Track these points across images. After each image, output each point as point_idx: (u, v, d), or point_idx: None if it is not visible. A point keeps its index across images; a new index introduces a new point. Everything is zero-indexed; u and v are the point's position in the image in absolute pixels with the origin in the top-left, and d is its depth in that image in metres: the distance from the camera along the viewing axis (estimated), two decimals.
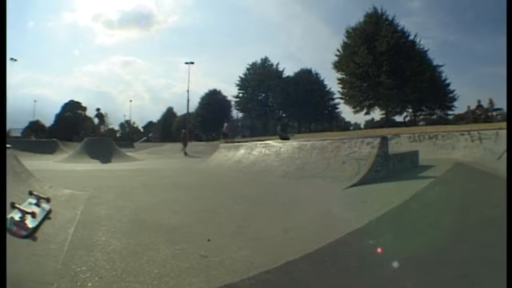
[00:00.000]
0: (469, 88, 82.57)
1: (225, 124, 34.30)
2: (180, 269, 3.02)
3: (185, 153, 28.30)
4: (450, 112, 46.06)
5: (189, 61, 53.14)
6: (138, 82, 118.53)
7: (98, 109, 25.24)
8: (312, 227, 4.55)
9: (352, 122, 67.01)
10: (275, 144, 13.39)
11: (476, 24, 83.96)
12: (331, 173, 9.15)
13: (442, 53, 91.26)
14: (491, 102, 27.94)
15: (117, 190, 7.63)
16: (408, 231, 4.42)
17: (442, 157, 16.19)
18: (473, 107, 29.61)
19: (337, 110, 58.75)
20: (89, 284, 2.66)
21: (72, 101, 73.98)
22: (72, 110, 73.28)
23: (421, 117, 47.20)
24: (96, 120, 27.06)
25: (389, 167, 9.75)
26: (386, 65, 43.35)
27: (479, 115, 27.49)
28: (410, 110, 47.86)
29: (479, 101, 28.52)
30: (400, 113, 47.61)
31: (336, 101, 57.00)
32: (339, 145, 10.39)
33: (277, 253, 3.50)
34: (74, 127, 64.95)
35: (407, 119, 46.09)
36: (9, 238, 2.99)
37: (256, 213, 5.53)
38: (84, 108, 72.55)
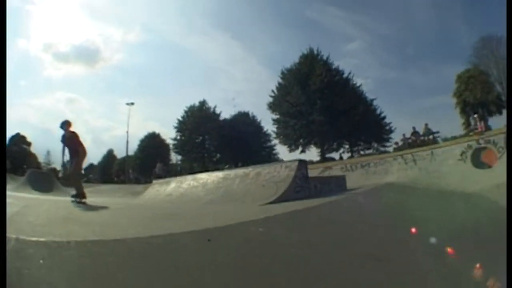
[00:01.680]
0: (408, 119, 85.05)
1: (158, 165, 35.18)
2: None
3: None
4: (387, 144, 46.29)
5: (130, 102, 52.02)
6: (81, 122, 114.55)
7: None
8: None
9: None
10: (203, 176, 13.67)
11: (416, 58, 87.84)
12: (251, 196, 9.44)
13: (380, 89, 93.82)
14: (426, 127, 28.95)
15: None
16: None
17: (374, 182, 16.85)
18: (408, 135, 30.60)
19: (274, 152, 58.59)
20: None
21: (18, 134, 70.92)
22: (18, 144, 70.27)
23: (359, 151, 47.17)
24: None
25: (310, 188, 10.16)
26: (319, 102, 43.39)
27: (414, 141, 28.40)
28: (347, 146, 48.07)
29: (414, 128, 29.53)
30: (337, 150, 47.17)
31: (273, 142, 56.92)
32: (260, 171, 11.04)
33: None
34: (21, 161, 62.18)
35: (344, 155, 46.41)
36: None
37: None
38: (29, 143, 69.68)
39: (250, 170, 11.35)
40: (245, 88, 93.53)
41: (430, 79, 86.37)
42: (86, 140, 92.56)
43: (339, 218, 6.34)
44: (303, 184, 10.03)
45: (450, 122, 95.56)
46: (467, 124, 33.22)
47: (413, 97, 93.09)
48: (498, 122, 45.52)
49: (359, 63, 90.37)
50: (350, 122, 43.31)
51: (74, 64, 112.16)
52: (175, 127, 59.92)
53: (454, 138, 31.63)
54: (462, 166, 17.79)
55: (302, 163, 10.38)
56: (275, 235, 4.86)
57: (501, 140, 18.16)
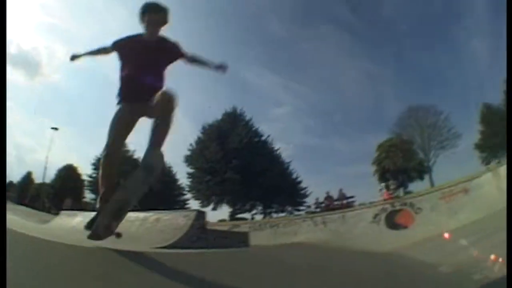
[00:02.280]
0: (326, 185, 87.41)
1: (66, 200, 33.26)
2: None
3: None
4: (301, 208, 47.07)
5: (55, 126, 49.74)
6: (9, 137, 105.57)
7: None
8: None
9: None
10: None
11: (341, 126, 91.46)
12: (149, 239, 9.08)
13: (300, 154, 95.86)
14: (341, 192, 29.51)
15: None
16: None
17: (281, 241, 16.65)
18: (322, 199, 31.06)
19: (187, 206, 57.12)
20: None
21: None
22: None
23: (271, 214, 46.93)
24: None
25: (209, 239, 9.86)
26: (235, 161, 43.48)
27: (327, 206, 28.81)
28: (260, 207, 48.03)
29: (327, 193, 30.20)
30: (250, 211, 46.99)
31: (186, 196, 55.85)
32: (160, 217, 10.58)
33: None
34: None
35: (256, 216, 46.18)
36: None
37: None
38: None
39: (151, 215, 10.89)
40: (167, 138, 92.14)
41: (352, 147, 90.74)
42: (11, 155, 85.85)
43: (232, 269, 5.54)
44: (200, 235, 9.75)
45: (368, 189, 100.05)
46: (392, 187, 34.41)
47: (333, 164, 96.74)
48: (420, 186, 48.11)
49: (284, 127, 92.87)
50: (265, 184, 43.70)
51: (14, 69, 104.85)
52: (93, 164, 57.08)
53: (371, 203, 32.48)
54: (375, 228, 18.06)
55: (200, 214, 10.21)
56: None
57: (421, 201, 19.10)
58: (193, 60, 4.70)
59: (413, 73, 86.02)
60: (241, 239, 12.41)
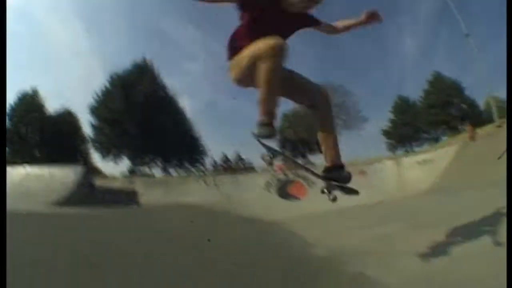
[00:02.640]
0: (227, 145, 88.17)
1: None
2: None
3: None
4: (198, 165, 46.74)
5: None
6: None
7: None
8: None
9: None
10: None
11: (252, 90, 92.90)
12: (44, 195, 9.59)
13: (207, 111, 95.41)
14: (238, 155, 29.92)
15: None
16: None
17: (170, 200, 16.24)
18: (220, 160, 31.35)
19: (90, 157, 54.43)
20: None
21: None
22: None
23: (170, 169, 46.64)
24: None
25: (97, 196, 10.14)
26: (138, 115, 42.39)
27: (223, 167, 29.23)
28: (159, 162, 47.32)
29: (224, 154, 30.56)
30: (149, 165, 46.37)
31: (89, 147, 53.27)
32: (54, 172, 11.05)
33: None
34: None
35: (155, 170, 45.64)
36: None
37: None
38: None
39: (46, 170, 11.44)
40: (78, 85, 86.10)
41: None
42: None
43: (119, 228, 6.27)
44: (90, 192, 9.82)
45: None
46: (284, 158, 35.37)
47: (238, 125, 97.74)
48: (318, 159, 49.96)
49: (194, 83, 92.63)
50: (164, 139, 43.10)
51: None
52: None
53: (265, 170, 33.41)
54: (266, 196, 18.30)
55: (91, 170, 10.38)
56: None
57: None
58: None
59: (338, 54, 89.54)
60: (131, 197, 12.49)
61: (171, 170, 45.30)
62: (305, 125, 49.79)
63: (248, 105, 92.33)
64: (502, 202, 7.49)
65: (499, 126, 21.88)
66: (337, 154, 4.05)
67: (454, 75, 56.50)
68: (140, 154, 44.89)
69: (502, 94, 48.26)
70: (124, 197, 12.36)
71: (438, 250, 4.81)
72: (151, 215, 9.77)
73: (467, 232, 5.31)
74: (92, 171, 10.78)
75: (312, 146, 52.31)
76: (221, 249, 5.98)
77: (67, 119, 49.15)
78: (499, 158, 12.44)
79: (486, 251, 4.19)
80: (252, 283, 3.87)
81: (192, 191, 18.27)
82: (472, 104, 53.54)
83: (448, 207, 9.95)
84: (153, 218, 9.20)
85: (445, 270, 4.01)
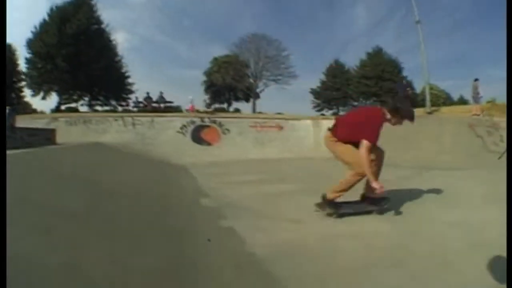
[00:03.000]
0: (158, 85, 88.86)
1: None
2: None
3: None
4: (123, 104, 46.04)
5: None
6: None
7: None
8: None
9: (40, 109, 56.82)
10: None
11: (189, 31, 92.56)
12: None
13: (144, 49, 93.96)
14: (160, 96, 29.86)
15: None
16: None
17: (89, 139, 16.56)
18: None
19: (23, 94, 50.59)
20: None
21: None
22: None
23: (97, 106, 45.42)
24: None
25: (17, 138, 10.11)
26: (68, 49, 40.63)
27: (145, 106, 29.24)
28: (87, 99, 45.96)
29: (147, 93, 30.58)
30: (77, 101, 44.90)
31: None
32: None
33: None
34: None
35: (83, 107, 43.92)
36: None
37: None
38: None
39: None
40: (20, 17, 79.36)
41: (193, 53, 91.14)
42: None
43: (36, 169, 6.41)
44: (10, 134, 10.02)
45: (194, 96, 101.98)
46: (207, 102, 35.79)
47: (169, 65, 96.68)
48: (245, 107, 51.38)
49: (133, 18, 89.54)
50: (92, 75, 42.03)
51: None
52: None
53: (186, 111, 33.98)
54: (180, 138, 19.03)
55: (10, 111, 10.37)
56: None
57: (231, 123, 20.73)
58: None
59: (285, 9, 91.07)
60: (48, 137, 12.86)
61: (99, 108, 44.22)
62: (234, 72, 50.49)
63: (183, 45, 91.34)
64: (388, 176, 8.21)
65: (429, 113, 22.67)
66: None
67: (398, 56, 57.51)
68: (69, 90, 43.60)
69: (441, 85, 51.02)
70: (42, 137, 12.50)
71: (314, 218, 5.22)
72: (65, 154, 9.86)
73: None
74: (12, 112, 10.71)
75: (237, 95, 53.40)
76: (120, 188, 6.54)
77: (7, 54, 46.32)
78: (499, 158, 12.44)
79: (370, 230, 4.74)
80: (132, 225, 4.21)
81: (110, 130, 18.62)
82: (410, 83, 55.11)
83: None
84: (68, 158, 9.22)
85: (315, 243, 4.36)
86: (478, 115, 17.97)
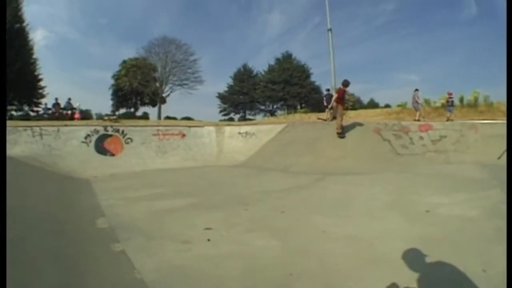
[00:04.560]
0: (71, 89, 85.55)
1: None
2: None
3: None
4: (36, 109, 43.81)
5: None
6: None
7: None
8: None
9: None
10: None
11: (106, 30, 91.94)
12: None
13: (57, 47, 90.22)
14: (69, 102, 28.95)
15: None
16: None
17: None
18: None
19: None
20: None
21: None
22: None
23: (12, 111, 42.51)
24: None
25: None
26: None
27: (53, 113, 28.04)
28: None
29: (56, 99, 29.36)
30: None
31: None
32: None
33: None
34: None
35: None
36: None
37: None
38: None
39: None
40: None
41: (108, 53, 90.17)
42: None
43: None
44: None
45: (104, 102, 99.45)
46: (114, 108, 35.28)
47: (82, 66, 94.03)
48: (152, 112, 51.83)
49: (51, 14, 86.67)
50: (8, 78, 38.61)
51: None
52: None
53: (100, 118, 33.59)
54: (84, 149, 18.46)
55: None
56: None
57: (134, 132, 20.36)
58: None
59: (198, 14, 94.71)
60: None
61: (13, 113, 41.83)
62: (141, 76, 50.64)
63: (97, 44, 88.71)
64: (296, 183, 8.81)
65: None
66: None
67: (309, 62, 62.13)
68: None
69: (352, 89, 53.67)
70: None
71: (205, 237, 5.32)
72: None
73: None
74: None
75: (144, 99, 53.30)
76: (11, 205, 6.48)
77: None
78: (499, 158, 12.46)
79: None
80: (18, 250, 3.93)
81: (20, 140, 17.69)
82: (314, 90, 58.22)
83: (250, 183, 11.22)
84: None
85: (201, 264, 4.44)
86: (419, 120, 19.86)
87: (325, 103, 23.44)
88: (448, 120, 19.50)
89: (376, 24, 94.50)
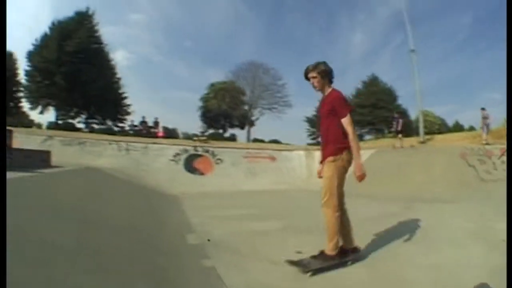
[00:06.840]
0: (156, 107, 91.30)
1: None
2: None
3: None
4: (121, 125, 46.97)
5: None
6: None
7: None
8: None
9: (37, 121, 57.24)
10: None
11: (191, 54, 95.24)
12: None
13: (141, 69, 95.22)
14: (156, 121, 29.93)
15: None
16: None
17: (83, 162, 16.42)
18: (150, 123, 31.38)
19: (21, 105, 50.82)
20: None
21: None
22: None
23: (94, 125, 45.01)
24: None
25: (12, 158, 10.15)
26: (67, 66, 41.50)
27: (141, 130, 29.25)
28: (84, 117, 46.50)
29: (143, 117, 30.82)
30: (74, 118, 44.98)
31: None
32: None
33: None
34: None
35: (80, 125, 43.58)
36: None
37: None
38: None
39: None
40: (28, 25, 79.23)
41: (192, 76, 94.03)
42: None
43: (33, 193, 6.47)
44: (8, 155, 10.00)
45: (190, 122, 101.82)
46: (202, 129, 36.00)
47: (167, 87, 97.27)
48: (241, 135, 51.40)
49: (134, 36, 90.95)
50: (90, 94, 42.72)
51: None
52: None
53: (188, 137, 34.19)
54: (172, 167, 19.10)
55: (8, 133, 10.39)
56: None
57: (224, 153, 20.84)
58: None
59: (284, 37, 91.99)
60: (43, 158, 12.98)
61: (95, 126, 44.04)
62: (230, 99, 50.89)
63: (182, 66, 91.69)
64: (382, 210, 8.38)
65: (422, 142, 22.85)
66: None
67: (393, 84, 60.38)
68: (66, 107, 44.09)
69: (437, 110, 51.26)
70: (37, 159, 12.53)
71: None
72: (60, 179, 9.84)
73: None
74: (10, 134, 10.62)
75: (233, 121, 53.85)
76: (104, 215, 6.61)
77: (8, 62, 46.30)
78: (499, 158, 13.07)
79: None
80: (111, 260, 3.95)
81: (105, 153, 18.72)
82: (403, 113, 55.75)
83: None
84: (62, 182, 9.24)
85: (290, 284, 4.25)
86: (488, 143, 18.11)
87: (397, 128, 22.76)
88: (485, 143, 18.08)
89: (456, 40, 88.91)
